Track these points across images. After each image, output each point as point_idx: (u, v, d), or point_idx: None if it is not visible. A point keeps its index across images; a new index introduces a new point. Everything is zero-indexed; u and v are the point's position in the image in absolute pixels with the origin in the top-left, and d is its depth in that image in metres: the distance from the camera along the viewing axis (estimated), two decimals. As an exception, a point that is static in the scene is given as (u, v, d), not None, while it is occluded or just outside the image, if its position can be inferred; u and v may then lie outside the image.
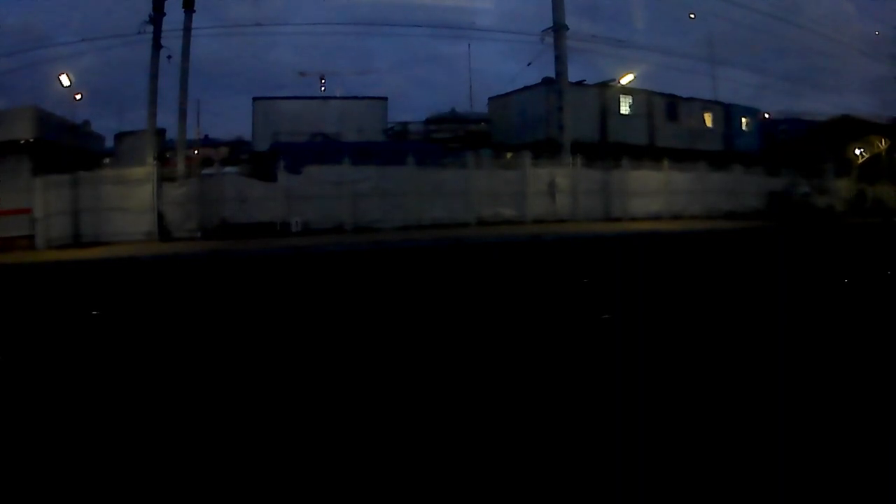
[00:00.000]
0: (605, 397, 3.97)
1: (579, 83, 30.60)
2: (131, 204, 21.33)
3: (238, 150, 37.50)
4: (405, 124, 38.25)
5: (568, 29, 27.17)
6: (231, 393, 4.26)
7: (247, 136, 34.99)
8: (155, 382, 4.62)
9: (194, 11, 24.38)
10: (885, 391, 3.92)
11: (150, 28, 23.82)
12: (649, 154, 30.03)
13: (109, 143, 32.41)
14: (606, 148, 29.62)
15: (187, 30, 24.41)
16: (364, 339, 5.89)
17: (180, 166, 24.56)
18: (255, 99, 32.22)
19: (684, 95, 34.56)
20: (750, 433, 3.31)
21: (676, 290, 8.50)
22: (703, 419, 3.58)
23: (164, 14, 24.08)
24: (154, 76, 23.93)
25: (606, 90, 31.82)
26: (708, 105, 35.51)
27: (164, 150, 27.33)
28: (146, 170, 22.25)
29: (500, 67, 73.11)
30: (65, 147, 23.69)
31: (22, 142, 21.23)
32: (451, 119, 38.96)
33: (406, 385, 4.39)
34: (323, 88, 45.73)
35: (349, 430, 3.55)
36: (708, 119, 35.19)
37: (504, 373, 4.64)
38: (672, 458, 3.05)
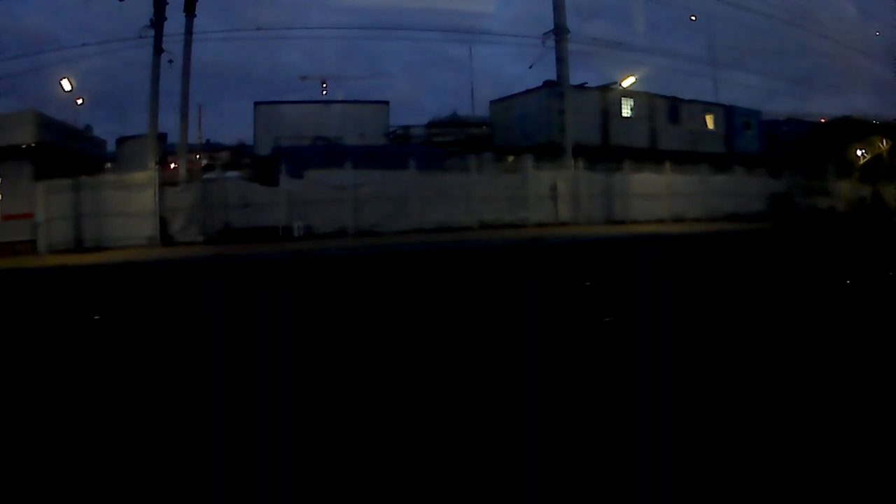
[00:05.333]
0: (606, 400, 3.93)
1: (581, 86, 30.61)
2: (133, 209, 21.33)
3: (240, 155, 37.56)
4: (407, 128, 38.31)
5: (569, 32, 27.19)
6: (231, 397, 4.22)
7: (249, 140, 35.08)
8: (156, 387, 4.58)
9: (195, 16, 24.49)
10: (886, 391, 3.90)
11: (152, 32, 23.88)
12: (651, 157, 30.03)
13: (111, 147, 32.48)
14: (608, 151, 29.61)
15: (188, 34, 24.50)
16: (367, 344, 5.85)
17: (182, 171, 24.59)
18: (256, 103, 32.29)
19: (686, 98, 34.56)
20: (751, 435, 3.27)
21: (678, 293, 8.46)
22: (705, 421, 3.54)
23: (166, 18, 24.15)
24: (155, 81, 23.97)
25: (608, 93, 31.82)
26: (709, 107, 35.48)
27: (166, 154, 27.39)
28: (148, 174, 22.25)
29: (503, 70, 73.28)
30: (66, 152, 23.69)
31: (23, 146, 21.22)
32: (452, 123, 39.00)
33: (407, 389, 4.35)
34: (325, 92, 45.88)
35: (351, 434, 3.51)
36: (710, 121, 35.16)
37: (506, 376, 4.60)
38: (672, 460, 3.01)
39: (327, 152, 26.31)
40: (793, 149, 36.59)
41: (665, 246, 17.52)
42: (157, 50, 23.88)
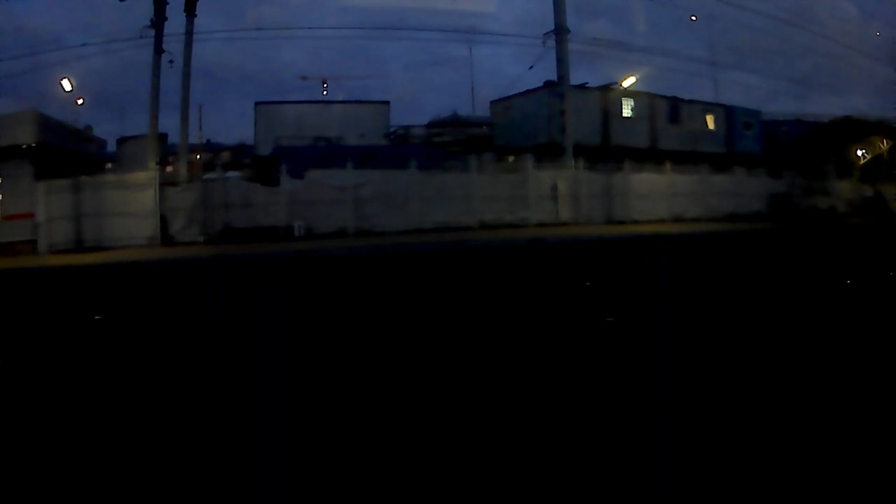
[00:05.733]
0: (607, 400, 3.93)
1: (581, 86, 30.59)
2: (133, 209, 21.32)
3: (240, 155, 37.53)
4: (407, 128, 38.29)
5: (569, 32, 27.17)
6: (232, 397, 4.22)
7: (249, 140, 35.07)
8: (157, 387, 4.58)
9: (196, 16, 24.46)
10: (886, 391, 3.90)
11: (152, 32, 23.87)
12: (651, 157, 30.02)
13: (111, 147, 32.51)
14: (608, 151, 29.60)
15: (189, 34, 24.47)
16: (367, 344, 5.85)
17: (182, 171, 24.56)
18: (257, 103, 32.26)
19: (686, 98, 34.54)
20: (752, 435, 3.27)
21: (679, 293, 8.45)
22: (706, 421, 3.54)
23: (166, 18, 24.13)
24: (156, 81, 23.96)
25: (608, 93, 31.80)
26: (710, 107, 35.45)
27: (167, 154, 27.38)
28: (148, 174, 22.25)
29: (503, 71, 73.35)
30: (67, 152, 23.71)
31: (24, 146, 21.23)
32: (453, 123, 38.99)
33: (407, 389, 4.35)
34: (325, 92, 45.91)
35: (351, 434, 3.51)
36: (710, 121, 35.13)
37: (506, 376, 4.60)
38: (673, 460, 3.01)
39: (328, 152, 26.31)
40: (793, 149, 36.55)
41: (665, 246, 17.52)
42: (158, 50, 23.87)
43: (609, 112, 31.40)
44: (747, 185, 31.19)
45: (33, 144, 21.40)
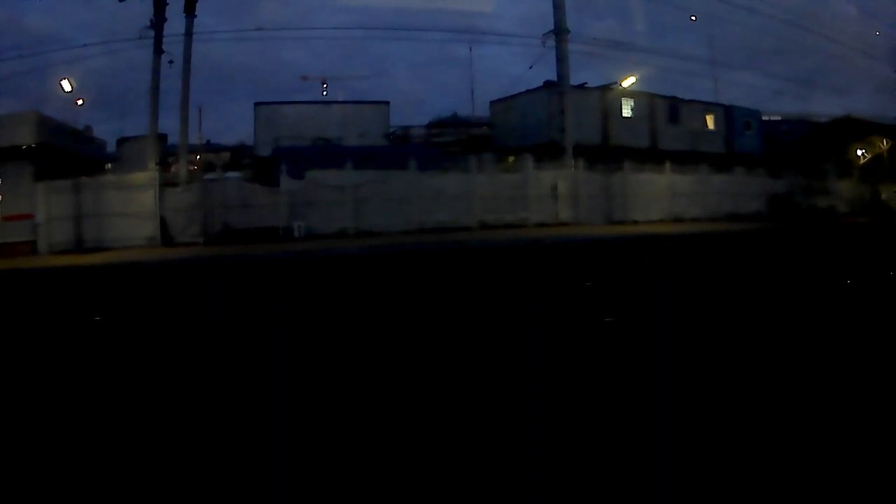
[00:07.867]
0: (607, 400, 3.93)
1: (581, 86, 30.58)
2: (133, 209, 21.34)
3: (240, 156, 37.53)
4: (407, 128, 38.27)
5: (569, 32, 27.16)
6: (232, 398, 4.22)
7: (249, 141, 35.06)
8: (156, 388, 4.58)
9: (195, 16, 24.46)
10: (886, 391, 3.90)
11: (152, 33, 23.87)
12: (651, 157, 30.00)
13: (111, 148, 32.48)
14: (608, 151, 29.59)
15: (188, 34, 24.47)
16: (368, 344, 5.85)
17: (182, 171, 24.57)
18: (256, 104, 32.23)
19: (686, 98, 34.53)
20: (752, 436, 3.27)
21: (678, 293, 8.45)
22: (705, 422, 3.54)
23: (166, 19, 24.14)
24: (155, 81, 23.96)
25: (608, 93, 31.80)
26: (709, 107, 35.45)
27: (166, 155, 27.39)
28: (148, 175, 22.26)
29: (503, 70, 73.22)
30: (66, 152, 23.70)
31: (24, 147, 21.23)
32: (452, 123, 39.01)
33: (408, 389, 4.34)
34: (325, 93, 45.89)
35: (352, 435, 3.51)
36: (710, 121, 35.13)
37: (506, 376, 4.60)
38: (672, 461, 3.01)
39: (327, 153, 26.29)
40: (793, 149, 36.56)
41: (665, 246, 17.51)
42: (158, 51, 23.87)
43: (609, 112, 31.40)
44: (747, 185, 31.17)
45: (33, 145, 21.40)
